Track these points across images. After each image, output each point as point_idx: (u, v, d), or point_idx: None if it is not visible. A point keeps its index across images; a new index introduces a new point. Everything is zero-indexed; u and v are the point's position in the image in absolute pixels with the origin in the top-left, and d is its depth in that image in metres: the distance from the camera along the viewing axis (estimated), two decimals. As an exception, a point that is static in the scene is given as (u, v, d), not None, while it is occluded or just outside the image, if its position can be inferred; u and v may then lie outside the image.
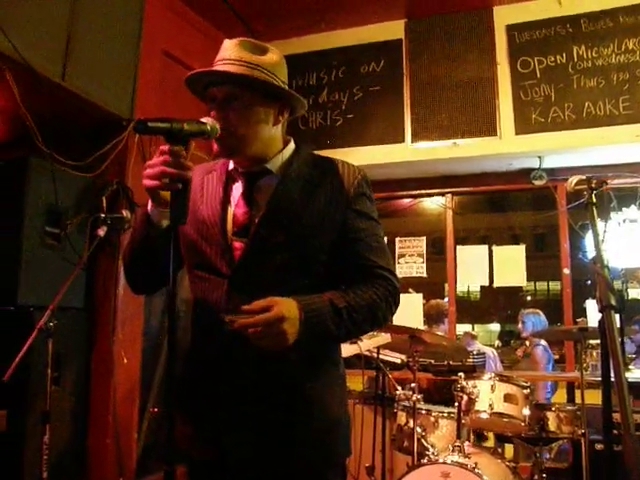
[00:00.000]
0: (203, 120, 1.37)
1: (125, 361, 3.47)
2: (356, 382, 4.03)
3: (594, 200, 1.51)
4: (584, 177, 1.59)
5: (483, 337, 18.52)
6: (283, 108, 1.53)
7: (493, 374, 3.04)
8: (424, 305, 5.04)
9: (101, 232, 2.90)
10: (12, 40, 2.75)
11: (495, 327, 19.85)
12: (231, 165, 1.58)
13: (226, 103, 1.45)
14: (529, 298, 18.57)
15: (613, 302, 1.18)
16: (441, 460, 2.69)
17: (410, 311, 4.91)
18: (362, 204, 1.52)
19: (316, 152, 1.64)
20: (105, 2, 3.49)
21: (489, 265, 4.70)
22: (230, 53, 1.48)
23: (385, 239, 1.60)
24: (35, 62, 2.93)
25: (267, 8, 4.31)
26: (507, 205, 13.56)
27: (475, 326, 19.71)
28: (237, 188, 1.55)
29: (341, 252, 1.48)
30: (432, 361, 3.77)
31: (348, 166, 1.56)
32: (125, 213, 3.19)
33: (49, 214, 3.22)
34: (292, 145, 1.59)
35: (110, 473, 3.39)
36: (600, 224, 1.48)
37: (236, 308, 1.31)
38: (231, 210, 1.51)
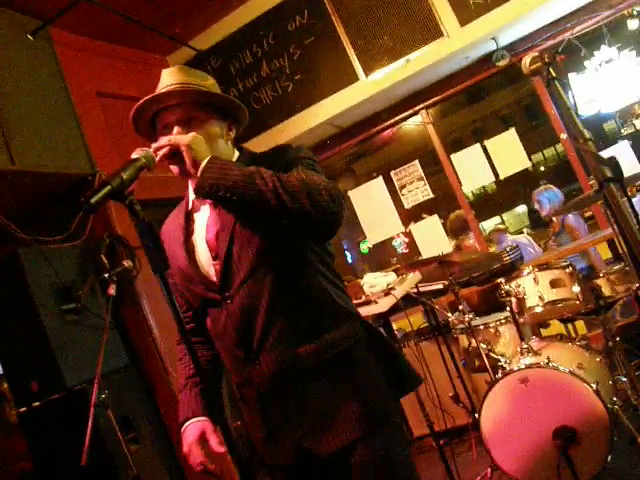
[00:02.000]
0: (134, 156, 1.30)
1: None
2: (408, 322, 4.03)
3: (553, 74, 1.43)
4: (536, 54, 1.51)
5: (513, 223, 18.40)
6: (231, 124, 1.56)
7: (531, 267, 2.98)
8: (443, 224, 5.00)
9: (112, 291, 2.88)
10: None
11: (522, 209, 19.65)
12: (191, 198, 1.57)
13: (184, 123, 1.44)
14: (542, 169, 18.33)
15: (608, 174, 1.12)
16: (515, 368, 2.66)
17: (433, 235, 4.88)
18: (303, 164, 1.46)
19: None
20: (24, 73, 3.42)
21: (488, 161, 4.61)
22: (174, 78, 1.47)
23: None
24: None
25: (176, 10, 4.17)
26: (483, 92, 13.29)
27: (503, 216, 19.58)
28: (201, 218, 1.54)
29: None
30: (471, 275, 3.75)
31: (286, 147, 1.55)
32: (127, 263, 3.17)
33: (59, 293, 3.23)
34: (236, 154, 1.59)
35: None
36: (570, 96, 1.41)
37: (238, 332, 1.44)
38: (200, 243, 1.50)
